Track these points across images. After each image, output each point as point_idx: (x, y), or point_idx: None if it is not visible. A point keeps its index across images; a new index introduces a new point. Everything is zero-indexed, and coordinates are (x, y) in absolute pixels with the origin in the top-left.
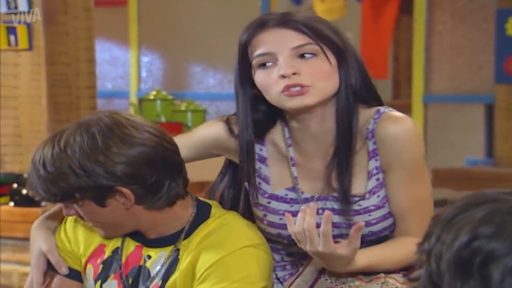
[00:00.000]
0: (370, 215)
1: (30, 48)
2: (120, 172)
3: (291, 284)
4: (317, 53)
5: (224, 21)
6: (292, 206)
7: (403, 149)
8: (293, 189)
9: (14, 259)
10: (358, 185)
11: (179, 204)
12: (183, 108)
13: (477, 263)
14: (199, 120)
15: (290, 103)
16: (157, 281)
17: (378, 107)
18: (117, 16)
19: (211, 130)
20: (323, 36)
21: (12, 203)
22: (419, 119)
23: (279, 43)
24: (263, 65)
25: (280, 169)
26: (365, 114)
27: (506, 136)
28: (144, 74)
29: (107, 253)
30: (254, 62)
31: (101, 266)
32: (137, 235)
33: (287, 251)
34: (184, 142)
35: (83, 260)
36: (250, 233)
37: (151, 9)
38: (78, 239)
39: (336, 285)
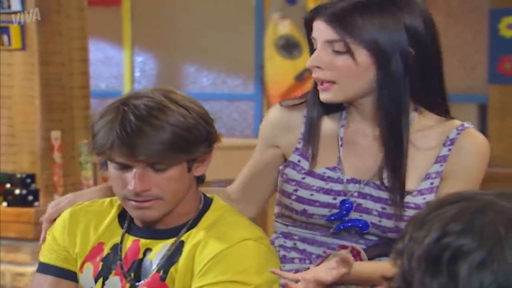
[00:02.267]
0: (405, 211)
1: (24, 47)
2: (215, 131)
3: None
4: (347, 51)
5: (218, 21)
6: (327, 184)
7: (474, 164)
8: (334, 168)
9: (7, 259)
10: (410, 182)
11: (197, 195)
12: None
13: (445, 259)
14: None
15: (320, 96)
16: (158, 271)
17: (462, 122)
18: (110, 16)
19: (269, 118)
20: (358, 34)
21: (5, 203)
22: None
23: (317, 33)
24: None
25: (324, 148)
26: (445, 124)
27: (499, 136)
28: (137, 74)
29: (106, 250)
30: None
31: (101, 263)
32: (136, 229)
33: (301, 235)
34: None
35: (80, 260)
36: (250, 226)
37: (145, 9)
38: (76, 240)
39: None
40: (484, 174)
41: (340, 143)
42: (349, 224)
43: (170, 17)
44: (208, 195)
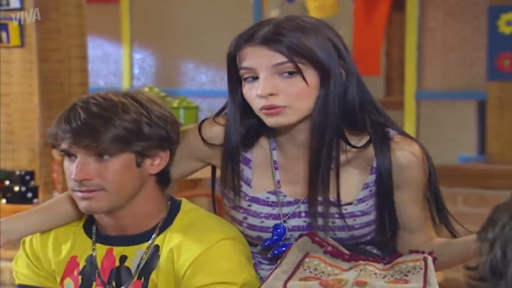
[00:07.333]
0: (354, 220)
1: (22, 45)
2: (176, 134)
3: (269, 275)
4: (298, 71)
5: (216, 18)
6: (274, 209)
7: (416, 174)
8: (275, 192)
9: (7, 257)
10: (349, 193)
11: (160, 197)
12: (175, 105)
13: None
14: (191, 117)
15: (269, 121)
16: (138, 278)
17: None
18: (109, 13)
19: (204, 135)
20: (306, 54)
21: (4, 200)
22: (412, 116)
23: (260, 60)
24: (247, 78)
25: (263, 172)
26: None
27: (498, 133)
28: (136, 71)
29: (81, 263)
30: (241, 73)
31: (80, 277)
32: (106, 238)
33: (263, 255)
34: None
35: (58, 277)
36: (225, 227)
37: (143, 6)
38: (48, 257)
39: (315, 274)
40: (483, 171)
41: (275, 167)
42: (283, 249)
43: (168, 14)
44: (177, 198)
